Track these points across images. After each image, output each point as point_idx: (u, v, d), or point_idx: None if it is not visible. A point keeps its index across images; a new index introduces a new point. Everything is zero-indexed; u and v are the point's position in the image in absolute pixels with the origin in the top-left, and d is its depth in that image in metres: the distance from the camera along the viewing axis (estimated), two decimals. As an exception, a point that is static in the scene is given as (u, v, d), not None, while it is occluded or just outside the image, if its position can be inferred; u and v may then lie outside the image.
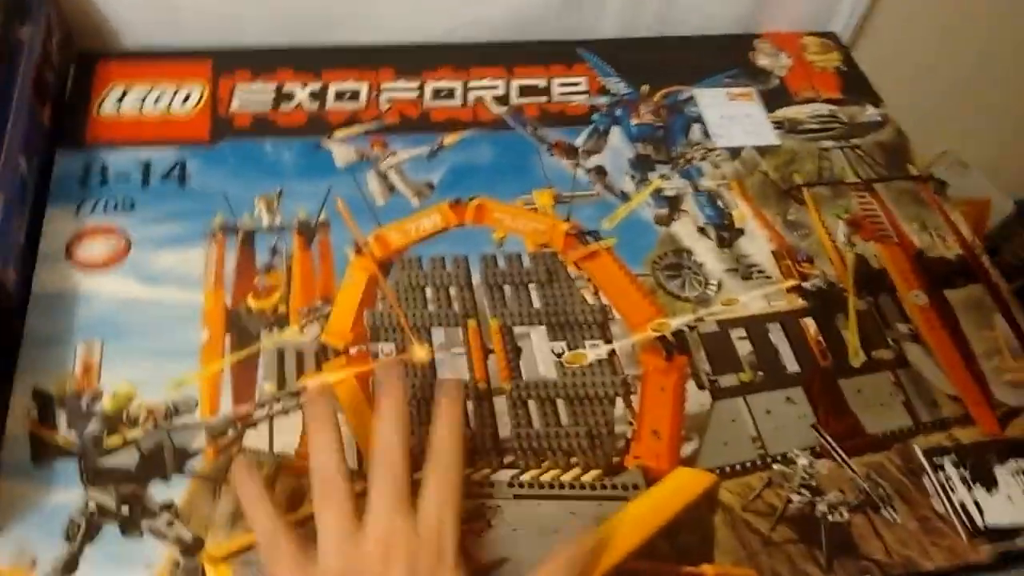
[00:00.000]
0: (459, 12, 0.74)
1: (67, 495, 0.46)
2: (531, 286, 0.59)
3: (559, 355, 0.56)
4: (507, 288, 0.58)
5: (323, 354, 0.54)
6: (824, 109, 0.74)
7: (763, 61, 0.77)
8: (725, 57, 0.77)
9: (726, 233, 0.64)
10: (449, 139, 0.67)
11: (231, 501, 0.47)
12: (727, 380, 0.56)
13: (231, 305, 0.56)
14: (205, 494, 0.48)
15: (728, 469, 0.52)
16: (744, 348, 0.58)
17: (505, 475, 0.51)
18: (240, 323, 0.55)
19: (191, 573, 0.45)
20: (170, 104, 0.65)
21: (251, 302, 0.56)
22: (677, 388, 0.55)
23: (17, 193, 0.54)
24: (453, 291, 0.58)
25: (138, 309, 0.54)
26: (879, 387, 0.57)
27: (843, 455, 0.53)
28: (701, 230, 0.64)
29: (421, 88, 0.70)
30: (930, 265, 0.64)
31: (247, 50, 0.70)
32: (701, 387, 0.55)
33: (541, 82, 0.72)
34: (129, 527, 0.46)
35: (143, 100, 0.65)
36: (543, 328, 0.57)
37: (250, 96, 0.67)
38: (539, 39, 0.76)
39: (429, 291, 0.58)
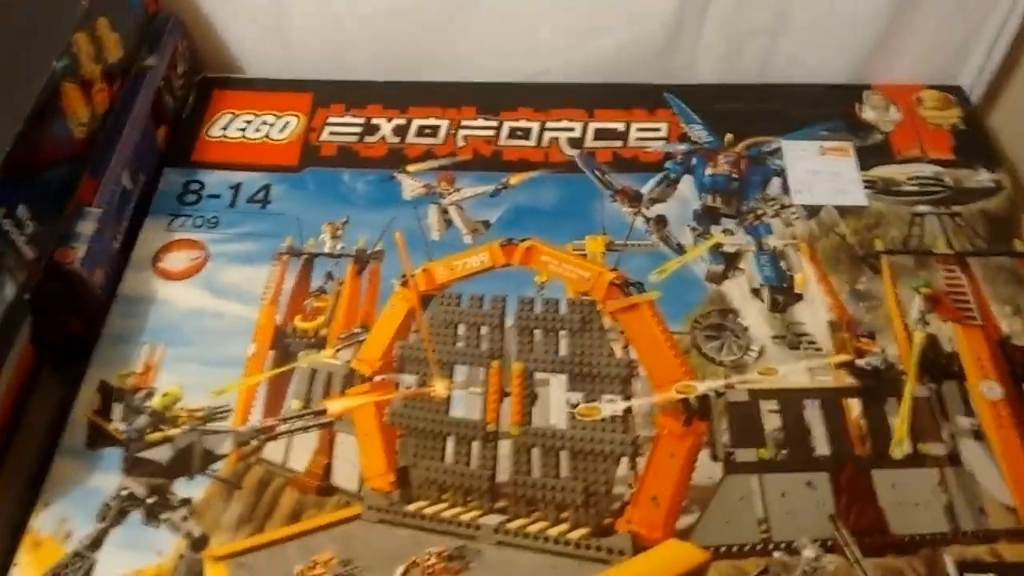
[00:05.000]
0: (548, 55, 0.76)
1: (108, 480, 0.53)
2: (562, 333, 0.59)
3: (574, 406, 0.56)
4: (538, 333, 0.59)
5: (350, 379, 0.58)
6: (928, 170, 0.68)
7: (868, 114, 0.72)
8: (826, 108, 0.73)
9: (781, 297, 0.61)
10: (515, 179, 0.69)
11: (242, 505, 0.52)
12: (745, 455, 0.53)
13: (280, 323, 0.60)
14: (221, 496, 0.52)
15: (724, 549, 0.50)
16: (772, 423, 0.55)
17: (493, 520, 0.52)
18: (285, 341, 0.60)
19: (193, 566, 0.49)
20: (268, 132, 0.72)
21: (298, 323, 0.61)
22: (688, 456, 0.53)
23: (115, 205, 0.62)
24: (484, 330, 0.59)
25: (201, 319, 0.60)
26: (919, 484, 0.52)
27: (858, 552, 0.49)
28: (755, 291, 0.62)
29: (498, 127, 0.72)
30: (1014, 355, 0.57)
31: (346, 83, 0.75)
32: (715, 458, 0.53)
33: (619, 126, 0.72)
34: (151, 516, 0.51)
35: (247, 126, 0.72)
36: (564, 377, 0.57)
37: (340, 128, 0.72)
38: (632, 82, 0.76)
39: (462, 328, 0.60)
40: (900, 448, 0.53)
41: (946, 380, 0.56)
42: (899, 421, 0.54)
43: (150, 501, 0.52)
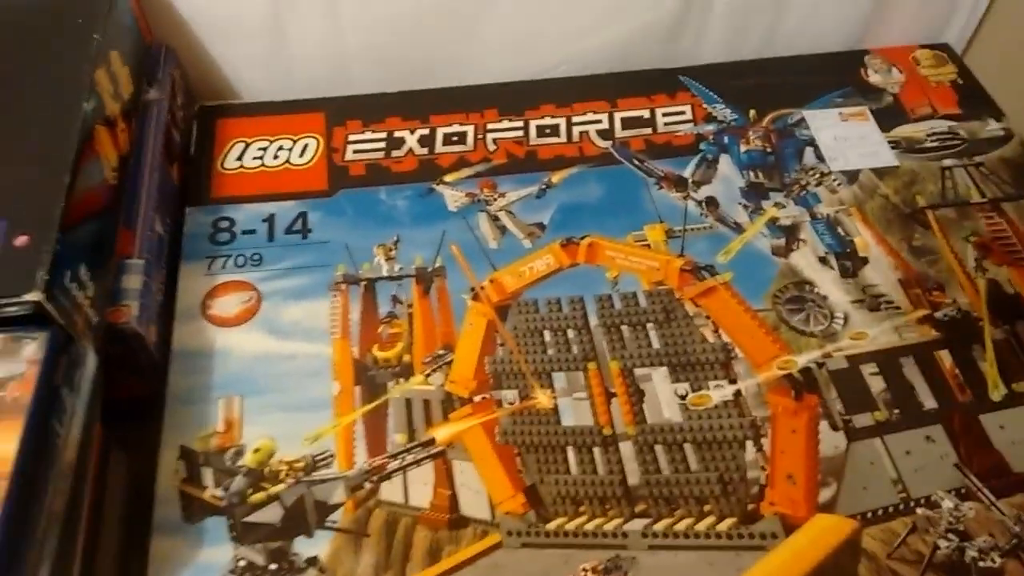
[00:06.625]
0: (558, 48, 0.75)
1: (218, 552, 0.48)
2: (649, 325, 0.58)
3: (683, 397, 0.55)
4: (625, 329, 0.58)
5: (449, 403, 0.55)
6: (942, 126, 0.71)
7: (874, 78, 0.75)
8: (834, 76, 0.75)
9: (849, 262, 0.62)
10: (556, 177, 0.67)
11: (374, 553, 0.48)
12: (862, 420, 0.54)
13: (358, 356, 0.57)
14: (348, 548, 0.49)
15: (870, 515, 0.50)
16: (877, 384, 0.56)
17: (638, 524, 0.50)
18: (368, 374, 0.56)
19: (339, 627, 0.46)
20: (288, 157, 0.67)
21: (377, 352, 0.57)
22: (809, 429, 0.53)
23: (155, 253, 0.57)
24: (571, 334, 0.58)
25: (272, 363, 0.56)
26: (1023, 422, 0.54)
27: (990, 496, 0.50)
28: (822, 260, 0.62)
29: (525, 127, 0.70)
30: (1070, 288, 0.60)
31: (357, 98, 0.72)
32: (835, 428, 0.54)
33: (644, 113, 0.72)
34: (278, 582, 0.47)
35: (263, 154, 0.68)
36: (664, 369, 0.56)
37: (363, 145, 0.69)
38: (640, 69, 0.76)
39: (547, 335, 0.58)
40: (997, 391, 0.55)
41: (1017, 320, 0.59)
42: (988, 365, 0.56)
43: (272, 567, 0.47)
